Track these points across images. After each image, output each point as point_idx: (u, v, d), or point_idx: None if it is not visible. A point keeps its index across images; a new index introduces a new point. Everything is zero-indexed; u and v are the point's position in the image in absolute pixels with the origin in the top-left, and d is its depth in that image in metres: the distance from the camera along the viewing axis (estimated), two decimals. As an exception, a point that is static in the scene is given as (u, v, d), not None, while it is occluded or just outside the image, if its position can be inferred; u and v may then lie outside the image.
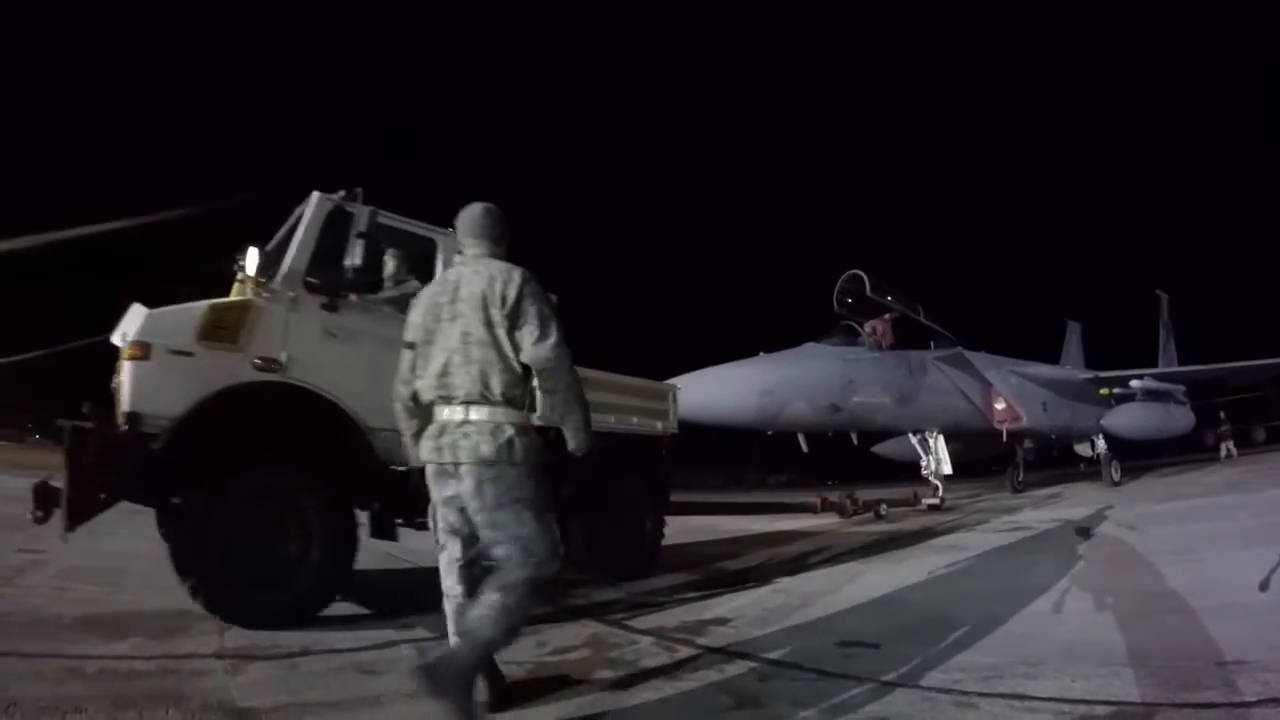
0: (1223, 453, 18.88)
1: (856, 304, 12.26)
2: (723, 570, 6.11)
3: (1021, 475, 16.52)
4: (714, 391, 9.88)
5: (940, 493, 12.28)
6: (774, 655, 3.19)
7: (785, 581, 5.41)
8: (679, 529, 7.45)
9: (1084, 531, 6.96)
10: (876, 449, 16.69)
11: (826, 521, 10.69)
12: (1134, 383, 15.17)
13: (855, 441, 13.28)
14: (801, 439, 12.05)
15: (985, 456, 17.53)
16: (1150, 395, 15.27)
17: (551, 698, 2.67)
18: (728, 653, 3.29)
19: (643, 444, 5.93)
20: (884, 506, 11.10)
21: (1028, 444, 16.90)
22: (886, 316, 12.44)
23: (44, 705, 2.28)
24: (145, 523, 4.04)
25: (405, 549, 7.22)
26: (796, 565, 6.19)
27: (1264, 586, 3.60)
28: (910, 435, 13.21)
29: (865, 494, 13.36)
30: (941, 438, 12.85)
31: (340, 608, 4.27)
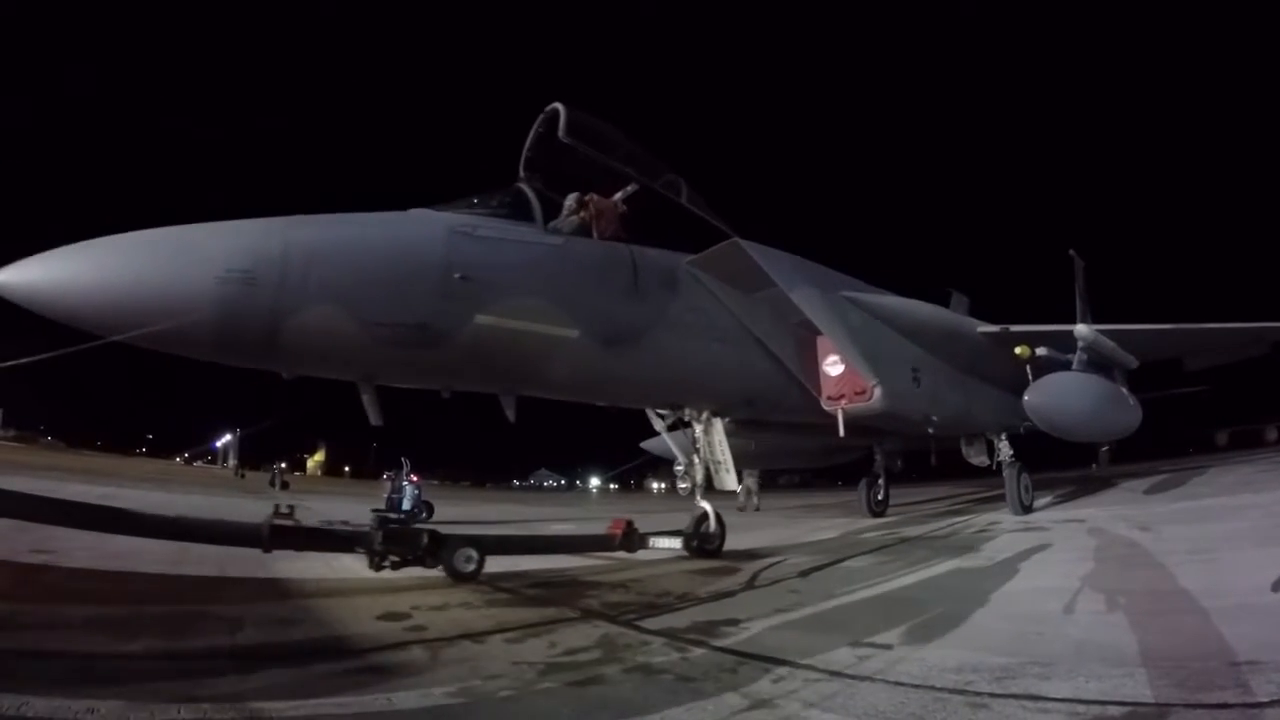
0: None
1: (559, 163, 6.20)
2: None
3: (883, 492, 11.93)
4: (102, 269, 3.88)
5: (710, 525, 6.99)
6: (787, 656, 3.18)
7: (797, 583, 5.40)
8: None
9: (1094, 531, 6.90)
10: (650, 445, 10.65)
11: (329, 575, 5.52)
12: (1080, 329, 8.68)
13: (512, 418, 6.05)
14: (368, 403, 5.18)
15: (814, 465, 11.33)
16: (1096, 364, 8.87)
17: (564, 699, 2.67)
18: (740, 654, 3.29)
19: None
20: (470, 554, 5.25)
21: (889, 444, 11.59)
22: (619, 196, 6.55)
23: (55, 705, 2.29)
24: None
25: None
26: (808, 568, 6.17)
27: (1277, 587, 3.57)
28: (653, 417, 7.54)
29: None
30: (719, 424, 7.21)
31: (351, 606, 4.28)
